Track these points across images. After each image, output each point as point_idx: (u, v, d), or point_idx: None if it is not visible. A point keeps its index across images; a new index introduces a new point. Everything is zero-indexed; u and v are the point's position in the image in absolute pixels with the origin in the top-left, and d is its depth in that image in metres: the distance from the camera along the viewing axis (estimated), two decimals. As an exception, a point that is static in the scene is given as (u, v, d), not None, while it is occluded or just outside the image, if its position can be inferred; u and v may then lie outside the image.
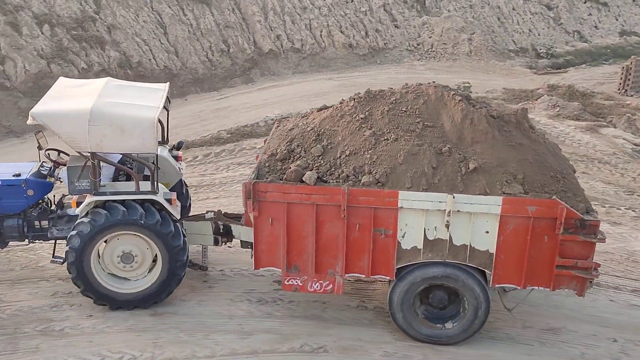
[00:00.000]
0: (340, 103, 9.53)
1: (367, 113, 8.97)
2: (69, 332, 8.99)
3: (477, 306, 8.69)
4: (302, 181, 8.39)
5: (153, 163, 9.01)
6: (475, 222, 8.25)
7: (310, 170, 8.53)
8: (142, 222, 8.81)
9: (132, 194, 8.89)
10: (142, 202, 8.91)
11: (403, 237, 8.45)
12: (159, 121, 10.06)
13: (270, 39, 25.33)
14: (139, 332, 9.00)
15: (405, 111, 8.92)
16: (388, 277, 8.77)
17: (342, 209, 8.31)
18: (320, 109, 9.82)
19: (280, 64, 25.33)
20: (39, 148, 9.52)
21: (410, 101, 9.01)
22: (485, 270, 8.52)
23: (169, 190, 9.78)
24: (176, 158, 10.41)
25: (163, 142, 10.32)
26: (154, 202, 8.95)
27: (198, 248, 10.31)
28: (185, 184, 10.79)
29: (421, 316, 9.00)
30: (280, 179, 8.50)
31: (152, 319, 9.28)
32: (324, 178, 8.48)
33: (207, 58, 23.57)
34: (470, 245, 8.38)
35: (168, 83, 10.46)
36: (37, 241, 9.83)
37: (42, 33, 20.27)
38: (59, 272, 10.16)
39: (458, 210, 8.18)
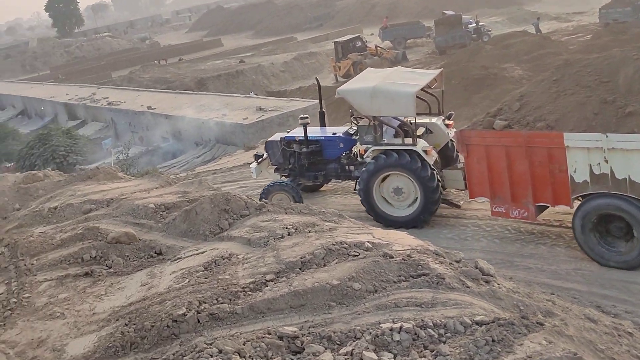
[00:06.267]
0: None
1: (559, 76, 11.12)
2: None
3: (643, 233, 9.93)
4: (494, 129, 11.16)
5: (412, 124, 12.81)
6: (631, 158, 9.70)
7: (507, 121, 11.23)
8: (403, 164, 12.60)
9: (397, 145, 12.85)
10: (410, 153, 12.65)
11: (574, 172, 10.38)
12: (436, 97, 13.87)
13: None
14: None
15: (589, 72, 10.77)
16: (568, 207, 10.72)
17: (524, 149, 10.76)
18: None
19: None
20: (351, 115, 14.31)
21: (597, 64, 10.80)
22: None
23: (440, 148, 13.51)
24: (447, 126, 13.93)
25: (439, 113, 14.00)
26: (414, 152, 12.66)
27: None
28: (453, 142, 14.11)
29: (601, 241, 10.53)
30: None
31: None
32: (512, 126, 11.06)
33: None
34: (629, 178, 9.83)
35: (442, 69, 14.10)
36: (346, 180, 14.62)
37: None
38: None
39: (613, 148, 9.78)
